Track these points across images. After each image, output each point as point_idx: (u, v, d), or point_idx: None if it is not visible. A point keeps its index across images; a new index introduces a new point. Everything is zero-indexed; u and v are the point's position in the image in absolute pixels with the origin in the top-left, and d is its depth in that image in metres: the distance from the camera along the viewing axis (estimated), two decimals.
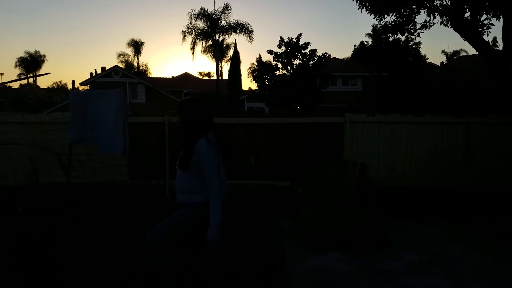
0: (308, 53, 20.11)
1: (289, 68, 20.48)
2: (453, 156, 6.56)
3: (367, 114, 6.64)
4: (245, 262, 3.90)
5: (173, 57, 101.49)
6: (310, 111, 17.56)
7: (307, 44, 20.14)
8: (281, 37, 20.26)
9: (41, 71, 47.43)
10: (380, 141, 6.59)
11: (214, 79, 45.31)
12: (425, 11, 7.48)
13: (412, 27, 8.22)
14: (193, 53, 30.08)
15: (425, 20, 7.51)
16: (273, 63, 20.58)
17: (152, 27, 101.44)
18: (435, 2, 7.35)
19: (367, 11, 7.89)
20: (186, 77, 45.71)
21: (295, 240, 4.40)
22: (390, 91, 21.08)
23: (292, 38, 20.14)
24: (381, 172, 6.55)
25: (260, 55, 46.62)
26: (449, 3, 7.12)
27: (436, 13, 7.32)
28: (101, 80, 29.13)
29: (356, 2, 7.81)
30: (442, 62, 40.63)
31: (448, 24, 7.14)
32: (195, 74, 56.62)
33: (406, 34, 8.76)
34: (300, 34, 20.25)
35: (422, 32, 8.12)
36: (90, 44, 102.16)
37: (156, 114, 7.53)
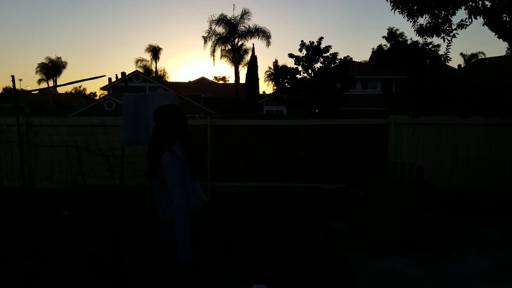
0: (330, 56, 20.00)
1: (310, 71, 20.42)
2: (501, 158, 6.38)
3: (411, 116, 6.53)
4: (307, 266, 3.84)
5: (188, 62, 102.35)
6: (333, 114, 17.47)
7: (328, 48, 20.07)
8: (302, 41, 20.24)
9: (61, 77, 48.46)
10: (425, 143, 6.46)
11: (230, 83, 45.55)
12: (466, 12, 7.33)
13: (447, 28, 8.07)
14: (213, 58, 30.25)
15: (461, 20, 7.35)
16: (294, 66, 20.57)
17: (166, 33, 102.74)
18: (477, 2, 7.21)
19: (400, 13, 7.78)
20: (203, 81, 46.05)
21: (352, 244, 4.33)
22: (423, 93, 20.82)
23: (313, 42, 20.09)
24: (426, 174, 6.40)
25: (276, 59, 46.73)
26: (488, 3, 6.97)
27: (476, 14, 7.17)
28: (122, 85, 29.58)
29: (390, 3, 7.72)
30: (459, 65, 39.91)
31: (486, 25, 6.98)
32: (211, 78, 56.95)
33: (442, 36, 8.60)
34: (321, 38, 20.17)
35: (458, 34, 7.96)
36: (107, 50, 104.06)
37: None
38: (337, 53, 20.09)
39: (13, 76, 4.60)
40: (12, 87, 4.68)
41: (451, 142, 6.44)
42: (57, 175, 6.70)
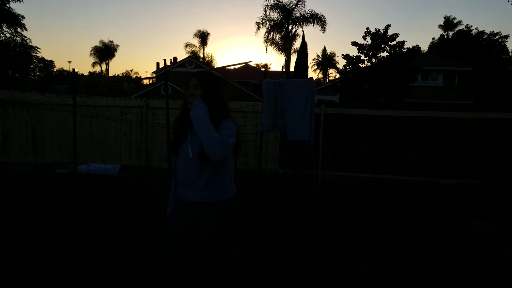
0: (396, 45, 19.25)
1: (374, 60, 19.79)
2: None
3: None
4: (469, 262, 3.75)
5: (232, 48, 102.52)
6: (397, 105, 16.89)
7: (395, 36, 19.33)
8: (367, 28, 19.60)
9: (114, 60, 50.17)
10: None
11: (275, 71, 45.22)
12: None
13: None
14: (267, 44, 30.00)
15: None
16: (357, 54, 20.00)
17: (212, 18, 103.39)
18: None
19: None
20: (248, 68, 46.05)
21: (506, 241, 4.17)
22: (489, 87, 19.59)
23: (379, 29, 19.40)
24: None
25: (324, 47, 45.74)
26: None
27: None
28: (176, 70, 30.23)
29: None
30: None
31: None
32: (253, 65, 56.85)
33: None
34: (388, 25, 19.43)
35: None
36: (156, 34, 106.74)
37: None
38: (404, 41, 19.30)
39: (165, 60, 4.77)
40: (69, 70, 4.87)
41: None
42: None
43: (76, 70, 5.83)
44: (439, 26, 40.02)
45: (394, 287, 3.15)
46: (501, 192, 4.50)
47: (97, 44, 50.59)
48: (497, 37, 29.22)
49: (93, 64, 51.62)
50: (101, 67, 51.55)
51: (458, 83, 26.40)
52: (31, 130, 6.97)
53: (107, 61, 51.01)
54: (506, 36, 29.16)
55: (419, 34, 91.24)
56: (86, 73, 57.35)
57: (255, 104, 6.17)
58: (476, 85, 26.11)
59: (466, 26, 29.91)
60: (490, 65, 26.95)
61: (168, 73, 5.59)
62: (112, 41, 50.79)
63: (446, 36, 33.73)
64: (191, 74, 2.17)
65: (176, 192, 2.23)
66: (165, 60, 5.22)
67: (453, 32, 33.51)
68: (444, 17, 39.17)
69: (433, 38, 36.34)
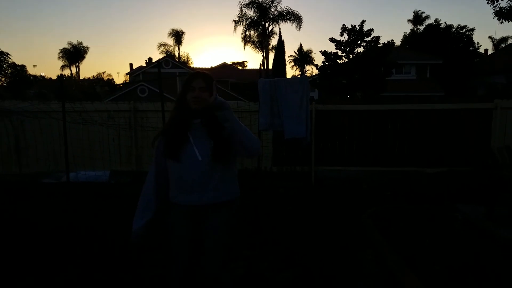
0: (372, 40, 19.73)
1: (350, 56, 20.20)
2: None
3: None
4: (464, 247, 3.94)
5: (206, 47, 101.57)
6: (374, 99, 17.36)
7: (370, 32, 19.79)
8: (343, 25, 20.00)
9: (84, 62, 48.71)
10: None
11: (253, 69, 45.32)
12: None
13: None
14: (245, 42, 30.00)
15: None
16: (334, 51, 20.34)
17: (186, 17, 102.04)
18: None
19: None
20: (225, 67, 45.93)
21: (497, 224, 4.40)
22: (459, 79, 20.34)
23: (355, 26, 19.82)
24: None
25: (301, 44, 46.14)
26: None
27: None
28: (152, 71, 29.74)
29: None
30: (486, 50, 38.95)
31: None
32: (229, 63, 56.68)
33: None
34: (363, 21, 19.88)
35: None
36: (129, 35, 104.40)
37: None
38: (379, 36, 19.83)
39: (159, 63, 4.71)
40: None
41: None
42: None
43: (63, 75, 5.64)
44: (409, 20, 41.40)
45: (401, 274, 3.28)
46: (486, 178, 4.74)
47: (66, 46, 48.94)
48: (464, 30, 30.43)
49: (62, 67, 49.89)
50: (70, 70, 49.93)
51: (430, 75, 27.36)
52: (14, 139, 6.71)
53: (77, 64, 49.45)
54: (472, 29, 30.42)
55: (391, 29, 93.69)
56: (54, 77, 55.41)
57: (250, 104, 6.22)
58: (446, 77, 27.12)
59: (435, 20, 30.98)
60: (458, 57, 28.05)
61: (143, 74, 5.48)
62: (81, 43, 49.31)
63: (416, 30, 34.82)
64: (191, 75, 2.06)
65: (173, 200, 2.08)
66: (159, 63, 5.13)
67: (422, 26, 34.62)
68: (414, 12, 40.53)
69: (405, 33, 37.47)
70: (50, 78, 56.67)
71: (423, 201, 5.57)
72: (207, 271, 2.05)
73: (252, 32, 29.82)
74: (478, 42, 41.03)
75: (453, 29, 30.55)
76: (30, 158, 6.87)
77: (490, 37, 48.93)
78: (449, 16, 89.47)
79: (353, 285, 3.03)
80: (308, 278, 3.14)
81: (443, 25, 30.74)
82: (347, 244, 3.91)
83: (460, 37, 30.37)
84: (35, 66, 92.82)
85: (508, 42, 41.16)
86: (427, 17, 39.53)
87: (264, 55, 31.14)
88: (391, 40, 19.88)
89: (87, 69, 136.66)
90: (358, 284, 3.05)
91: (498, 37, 47.90)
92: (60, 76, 5.05)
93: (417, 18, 40.52)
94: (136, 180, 6.79)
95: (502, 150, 4.83)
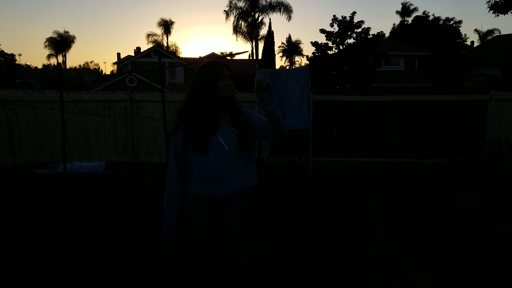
0: (362, 32, 19.78)
1: (341, 47, 20.23)
2: None
3: None
4: (462, 237, 4.04)
5: (196, 37, 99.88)
6: (364, 90, 17.49)
7: (360, 23, 19.83)
8: (334, 16, 19.97)
9: (71, 51, 47.56)
10: None
11: (242, 59, 44.95)
12: None
13: None
14: (236, 33, 29.67)
15: None
16: (325, 42, 20.34)
17: (174, 6, 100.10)
18: None
19: None
20: (214, 57, 45.41)
21: (496, 215, 4.51)
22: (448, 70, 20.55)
23: (345, 17, 19.82)
24: None
25: (290, 34, 45.89)
26: None
27: None
28: (141, 61, 29.23)
29: None
30: (472, 42, 39.58)
31: None
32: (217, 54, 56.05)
33: None
34: (354, 13, 19.87)
35: None
36: (116, 24, 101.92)
37: None
38: (369, 28, 19.91)
39: (159, 56, 4.62)
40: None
41: None
42: (158, 150, 6.81)
43: (59, 64, 5.51)
44: (397, 12, 41.60)
45: (406, 265, 3.33)
46: (483, 168, 4.85)
47: (52, 35, 47.60)
48: (452, 22, 30.76)
49: (48, 57, 48.61)
50: (57, 59, 48.66)
51: (418, 67, 27.65)
52: (8, 129, 6.52)
53: (63, 53, 48.23)
54: (460, 22, 30.77)
55: (381, 20, 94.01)
56: (40, 66, 53.91)
57: (251, 95, 6.17)
58: (434, 69, 27.45)
59: (423, 12, 31.19)
60: (446, 49, 28.38)
61: (132, 64, 5.37)
62: (68, 32, 48.06)
63: (405, 22, 35.02)
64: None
65: (194, 194, 2.01)
66: (160, 56, 5.03)
67: (410, 18, 34.85)
68: (402, 3, 40.72)
69: (394, 24, 37.65)
70: (36, 67, 55.19)
71: (421, 191, 5.67)
72: (231, 260, 2.07)
73: (241, 22, 29.52)
74: (465, 35, 41.59)
75: (441, 21, 30.84)
76: (24, 148, 6.70)
77: (476, 30, 49.53)
78: (436, 8, 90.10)
79: (362, 275, 3.07)
80: (316, 268, 3.17)
81: (431, 17, 30.99)
82: (352, 234, 3.96)
83: (447, 29, 30.70)
84: (20, 55, 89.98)
85: (495, 35, 41.80)
86: (415, 9, 39.84)
87: (257, 46, 30.87)
88: (381, 31, 20.02)
89: (74, 59, 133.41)
90: (367, 274, 3.09)
91: (484, 29, 48.50)
92: (58, 65, 4.90)
93: (405, 10, 40.78)
94: (132, 170, 6.73)
95: (501, 141, 4.93)
